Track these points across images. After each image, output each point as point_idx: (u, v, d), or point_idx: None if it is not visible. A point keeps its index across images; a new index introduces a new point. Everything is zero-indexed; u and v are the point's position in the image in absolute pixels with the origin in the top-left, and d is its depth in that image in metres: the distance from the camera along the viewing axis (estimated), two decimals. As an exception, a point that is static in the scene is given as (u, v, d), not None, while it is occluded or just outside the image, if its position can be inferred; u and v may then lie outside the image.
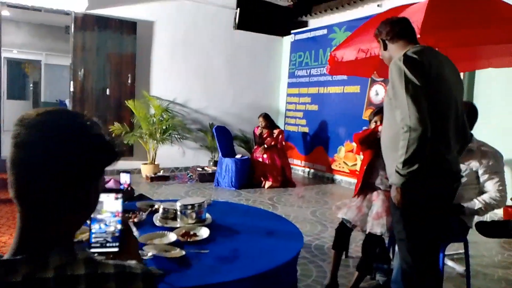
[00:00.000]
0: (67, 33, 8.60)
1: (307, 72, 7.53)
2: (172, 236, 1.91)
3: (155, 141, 6.65)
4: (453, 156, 1.92)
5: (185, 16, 7.18)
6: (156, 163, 6.75)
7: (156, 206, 2.40)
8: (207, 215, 2.27)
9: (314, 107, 7.36)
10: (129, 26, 6.62)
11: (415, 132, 1.72)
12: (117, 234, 1.01)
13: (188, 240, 1.91)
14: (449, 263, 3.24)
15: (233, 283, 1.55)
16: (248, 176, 6.50)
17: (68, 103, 9.13)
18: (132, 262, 0.81)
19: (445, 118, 1.85)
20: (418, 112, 1.73)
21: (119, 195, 1.03)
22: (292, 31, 7.88)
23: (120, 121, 6.55)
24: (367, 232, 2.62)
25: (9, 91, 10.83)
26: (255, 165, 6.59)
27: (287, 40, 8.12)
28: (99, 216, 0.99)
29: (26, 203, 0.74)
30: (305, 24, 7.99)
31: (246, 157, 6.76)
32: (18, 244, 0.74)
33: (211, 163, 7.25)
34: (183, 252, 1.72)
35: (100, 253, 0.99)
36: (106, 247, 1.00)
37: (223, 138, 6.71)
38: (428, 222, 1.89)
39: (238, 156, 6.62)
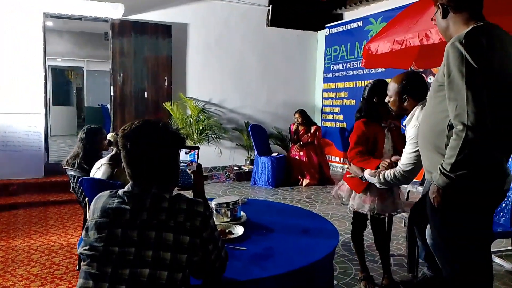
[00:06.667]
0: (106, 39, 8.91)
1: (343, 66, 7.40)
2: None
3: (193, 142, 6.77)
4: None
5: (217, 16, 7.24)
6: (194, 163, 6.84)
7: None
8: (242, 214, 2.28)
9: (352, 102, 7.21)
10: (164, 30, 6.76)
11: (472, 133, 1.46)
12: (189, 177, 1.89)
13: (224, 238, 1.92)
14: (497, 260, 3.09)
15: (268, 279, 1.55)
16: (285, 174, 6.48)
17: (109, 107, 9.50)
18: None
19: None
20: (479, 109, 1.45)
21: (187, 150, 1.94)
22: (326, 25, 7.76)
23: (158, 122, 6.69)
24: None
25: (54, 98, 11.39)
26: (292, 163, 6.56)
27: (322, 35, 8.01)
28: None
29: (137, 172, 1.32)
30: (340, 17, 7.85)
31: (282, 155, 6.73)
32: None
33: (248, 162, 7.28)
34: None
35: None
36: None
37: (258, 137, 6.72)
38: (474, 226, 1.66)
39: (274, 154, 6.61)
